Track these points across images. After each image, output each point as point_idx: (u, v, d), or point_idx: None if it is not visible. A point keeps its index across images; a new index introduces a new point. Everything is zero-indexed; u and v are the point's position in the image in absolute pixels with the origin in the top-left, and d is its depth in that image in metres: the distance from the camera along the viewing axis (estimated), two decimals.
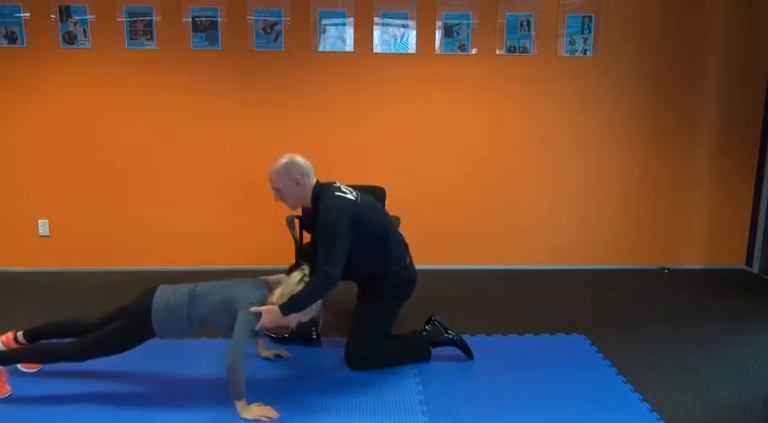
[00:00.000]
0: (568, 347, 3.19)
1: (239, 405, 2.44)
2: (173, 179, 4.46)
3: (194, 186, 4.48)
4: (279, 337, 3.18)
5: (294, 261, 3.10)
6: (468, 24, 4.34)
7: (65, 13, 4.22)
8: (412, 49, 4.36)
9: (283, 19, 4.28)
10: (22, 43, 4.24)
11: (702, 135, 4.56)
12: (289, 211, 3.33)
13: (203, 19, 4.27)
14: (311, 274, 2.60)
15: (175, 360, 2.96)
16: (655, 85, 4.48)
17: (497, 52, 4.39)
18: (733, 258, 4.75)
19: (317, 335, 3.18)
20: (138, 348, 2.79)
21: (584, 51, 4.41)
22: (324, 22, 4.30)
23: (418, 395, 2.66)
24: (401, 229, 3.38)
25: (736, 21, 4.41)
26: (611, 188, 4.61)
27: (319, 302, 2.65)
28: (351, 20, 4.30)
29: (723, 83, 4.49)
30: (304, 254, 2.93)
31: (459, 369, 2.93)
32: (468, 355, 3.01)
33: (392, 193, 3.80)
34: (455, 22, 4.34)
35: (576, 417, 2.49)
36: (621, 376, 2.86)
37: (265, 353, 3.00)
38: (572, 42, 4.39)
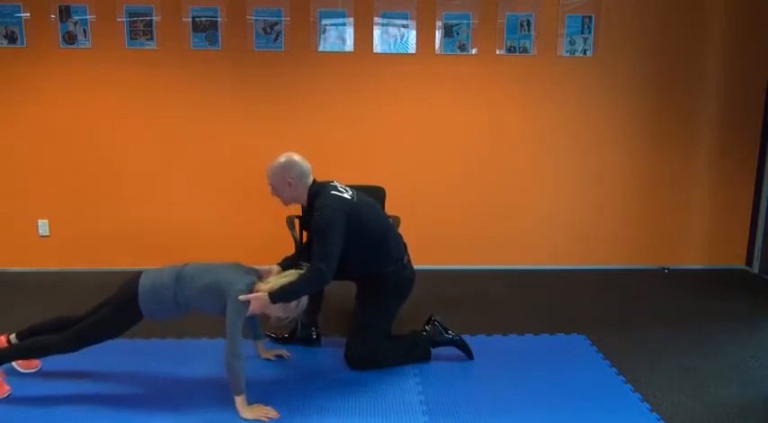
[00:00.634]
0: (568, 347, 3.19)
1: (239, 404, 2.44)
2: (173, 179, 4.46)
3: (194, 186, 4.48)
4: (279, 337, 3.19)
5: (293, 255, 3.10)
6: (468, 24, 4.34)
7: (65, 13, 4.22)
8: (412, 49, 4.36)
9: (283, 19, 4.28)
10: (22, 43, 4.24)
11: (702, 135, 4.56)
12: (288, 210, 3.33)
13: (203, 19, 4.27)
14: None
15: (175, 360, 2.96)
16: (655, 85, 4.48)
17: (497, 52, 4.39)
18: (733, 258, 4.75)
19: (317, 335, 3.19)
20: (137, 348, 2.80)
21: (585, 51, 4.41)
22: (324, 22, 4.30)
23: (418, 395, 2.66)
24: (401, 229, 3.38)
25: (736, 21, 4.41)
26: (611, 188, 4.61)
27: (305, 305, 2.65)
28: (351, 20, 4.30)
29: (723, 83, 4.49)
30: (302, 252, 2.94)
31: (459, 369, 2.93)
32: (468, 355, 3.01)
33: (392, 193, 3.80)
34: (455, 22, 4.34)
35: (576, 417, 2.49)
36: (621, 376, 2.86)
37: (266, 354, 3.00)
38: (572, 42, 4.39)
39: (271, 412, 2.45)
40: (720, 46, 4.44)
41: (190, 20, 4.26)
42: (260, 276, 2.66)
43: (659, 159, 4.58)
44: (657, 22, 4.39)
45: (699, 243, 4.72)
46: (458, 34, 4.35)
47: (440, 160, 4.51)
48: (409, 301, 3.03)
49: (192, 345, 3.16)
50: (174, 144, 4.41)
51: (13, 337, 2.71)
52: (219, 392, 2.60)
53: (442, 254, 4.63)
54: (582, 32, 4.39)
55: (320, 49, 4.33)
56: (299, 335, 3.16)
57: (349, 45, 4.33)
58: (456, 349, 3.02)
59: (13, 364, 2.71)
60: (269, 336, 3.19)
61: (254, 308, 2.51)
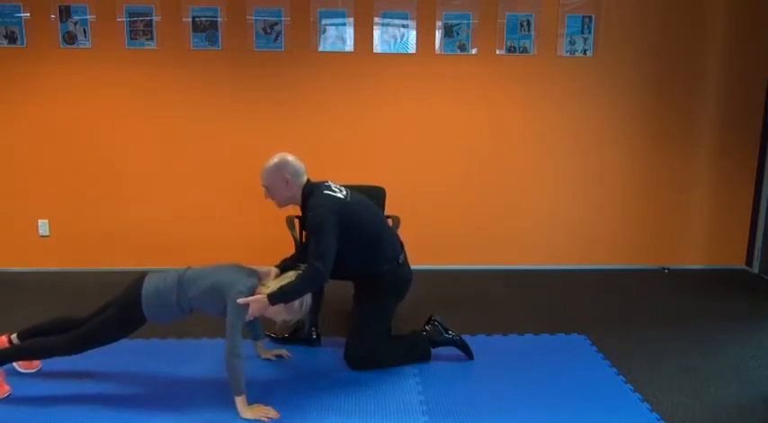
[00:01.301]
0: (568, 347, 3.19)
1: (239, 404, 2.44)
2: (173, 179, 4.46)
3: (194, 186, 4.48)
4: (279, 337, 3.19)
5: (291, 255, 3.10)
6: (468, 24, 4.34)
7: (65, 13, 4.22)
8: (412, 49, 4.36)
9: (283, 19, 4.28)
10: (22, 43, 4.24)
11: (702, 135, 4.56)
12: (288, 211, 3.33)
13: (203, 19, 4.27)
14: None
15: (175, 360, 2.96)
16: (655, 85, 4.48)
17: (497, 52, 4.39)
18: (733, 258, 4.75)
19: (317, 335, 3.19)
20: (138, 348, 2.81)
21: (585, 51, 4.41)
22: (324, 22, 4.30)
23: (418, 395, 2.66)
24: (401, 229, 3.38)
25: (736, 21, 4.41)
26: (611, 188, 4.61)
27: (308, 305, 2.65)
28: (351, 20, 4.30)
29: (723, 83, 4.49)
30: (301, 253, 2.94)
31: (459, 369, 2.93)
32: (468, 355, 3.01)
33: (392, 193, 3.80)
34: (455, 22, 4.34)
35: (576, 417, 2.49)
36: (621, 376, 2.85)
37: (265, 354, 3.00)
38: (572, 42, 4.39)
39: (271, 412, 2.45)
40: (720, 46, 4.44)
41: (190, 20, 4.26)
42: (260, 279, 2.66)
43: (659, 159, 4.58)
44: (657, 22, 4.39)
45: (699, 243, 4.72)
46: (458, 34, 4.35)
47: (440, 160, 4.51)
48: (409, 301, 3.03)
49: (191, 345, 3.16)
50: (174, 144, 4.41)
51: (14, 337, 2.71)
52: (219, 392, 2.60)
53: (442, 254, 4.63)
54: (582, 32, 4.39)
55: (320, 49, 4.33)
56: (303, 335, 3.16)
57: (349, 45, 4.33)
58: (456, 349, 3.02)
59: (14, 364, 2.71)
60: (269, 336, 3.20)
61: (253, 311, 2.51)
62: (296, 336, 3.17)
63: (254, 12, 4.27)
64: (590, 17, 4.37)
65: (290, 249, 3.34)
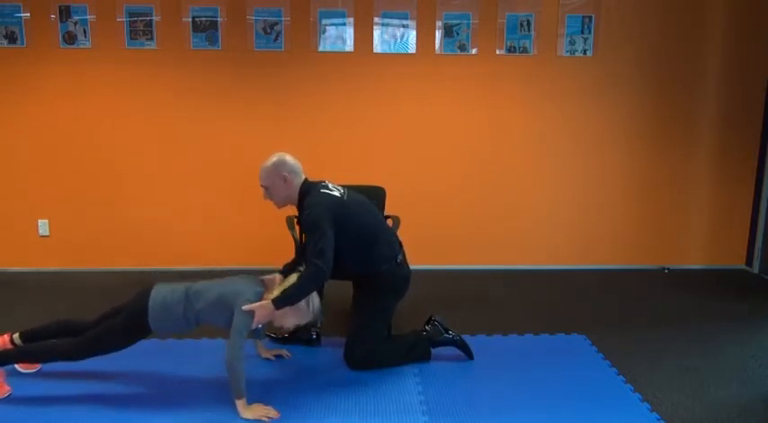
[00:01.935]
0: (568, 347, 3.19)
1: (239, 404, 2.44)
2: (173, 179, 4.46)
3: (194, 186, 4.48)
4: (279, 337, 3.19)
5: (294, 255, 3.10)
6: (468, 24, 4.34)
7: (65, 13, 4.22)
8: (412, 49, 4.36)
9: (283, 19, 4.28)
10: (22, 43, 4.24)
11: (702, 135, 4.56)
12: (287, 211, 3.32)
13: (203, 19, 4.27)
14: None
15: (175, 360, 2.96)
16: (655, 85, 4.48)
17: (497, 52, 4.39)
18: (733, 258, 4.75)
19: (316, 335, 3.19)
20: (138, 348, 2.79)
21: (585, 51, 4.41)
22: (324, 22, 4.30)
23: (418, 395, 2.66)
24: (401, 229, 3.38)
25: (736, 21, 4.41)
26: (611, 188, 4.61)
27: (318, 305, 2.66)
28: (351, 20, 4.30)
29: (723, 83, 4.49)
30: (301, 255, 2.94)
31: (459, 369, 2.93)
32: (468, 355, 3.01)
33: (392, 193, 3.80)
34: (455, 22, 4.34)
35: (576, 417, 2.49)
36: (621, 376, 2.86)
37: (266, 354, 3.00)
38: (572, 42, 4.39)
39: (271, 412, 2.45)
40: (720, 46, 4.44)
41: (190, 20, 4.26)
42: (266, 287, 2.66)
43: (659, 159, 4.58)
44: (657, 22, 4.39)
45: (699, 243, 4.72)
46: (458, 34, 4.35)
47: (440, 160, 4.51)
48: (409, 301, 3.03)
49: (192, 345, 3.16)
50: (174, 144, 4.41)
51: (16, 336, 2.71)
52: (219, 392, 2.60)
53: (442, 254, 4.63)
54: (582, 32, 4.39)
55: (320, 49, 4.33)
56: (303, 335, 3.16)
57: (349, 45, 4.33)
58: (456, 349, 3.02)
59: (14, 364, 2.71)
60: (269, 336, 3.20)
61: (259, 317, 2.51)
62: (296, 336, 3.17)
63: (254, 12, 4.27)
64: (590, 17, 4.37)
65: (290, 249, 3.34)
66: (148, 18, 4.24)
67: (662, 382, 2.82)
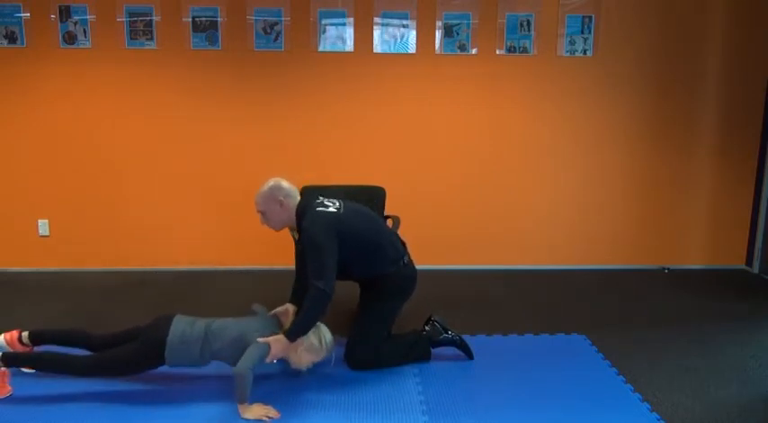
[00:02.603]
0: (568, 347, 3.19)
1: (241, 406, 2.44)
2: (173, 179, 4.46)
3: (194, 186, 4.48)
4: None
5: (294, 261, 3.10)
6: (468, 24, 4.34)
7: (65, 13, 4.22)
8: (412, 49, 4.36)
9: (283, 19, 4.28)
10: (22, 43, 4.24)
11: (702, 135, 4.56)
12: None
13: (203, 19, 4.27)
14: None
15: None
16: (655, 85, 4.48)
17: (497, 52, 4.39)
18: (733, 258, 4.75)
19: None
20: None
21: (584, 51, 4.41)
22: (324, 22, 4.30)
23: (418, 395, 2.66)
24: (401, 229, 3.38)
25: (736, 21, 4.41)
26: (611, 188, 4.61)
27: (330, 340, 2.68)
28: (351, 20, 4.30)
29: (723, 83, 4.49)
30: (300, 279, 2.94)
31: (459, 369, 2.93)
32: (468, 355, 3.01)
33: (392, 193, 3.80)
34: (455, 22, 4.34)
35: (576, 417, 2.49)
36: (621, 376, 2.86)
37: None
38: (572, 42, 4.39)
39: (271, 412, 2.45)
40: (720, 46, 4.44)
41: (190, 20, 4.26)
42: (280, 323, 2.73)
43: (659, 159, 4.58)
44: (657, 22, 4.39)
45: (699, 243, 4.72)
46: (458, 34, 4.35)
47: (440, 160, 4.51)
48: (410, 301, 3.03)
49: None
50: (174, 144, 4.41)
51: (25, 335, 2.71)
52: (220, 392, 2.61)
53: (442, 254, 4.63)
54: (582, 32, 4.39)
55: (320, 49, 4.33)
56: None
57: (349, 45, 4.33)
58: (456, 349, 3.02)
59: None
60: None
61: (275, 352, 2.55)
62: None
63: (254, 12, 4.27)
64: (590, 17, 4.37)
65: (290, 249, 3.33)
66: (148, 18, 4.24)
67: (662, 382, 2.82)
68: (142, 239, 4.52)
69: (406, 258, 2.96)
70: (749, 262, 4.72)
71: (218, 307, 3.71)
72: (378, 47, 4.34)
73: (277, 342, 2.54)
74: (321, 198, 2.87)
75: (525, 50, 4.39)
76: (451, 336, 3.01)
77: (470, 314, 3.67)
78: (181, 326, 2.57)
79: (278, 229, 2.87)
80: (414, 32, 4.34)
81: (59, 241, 4.50)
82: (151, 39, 4.27)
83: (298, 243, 3.47)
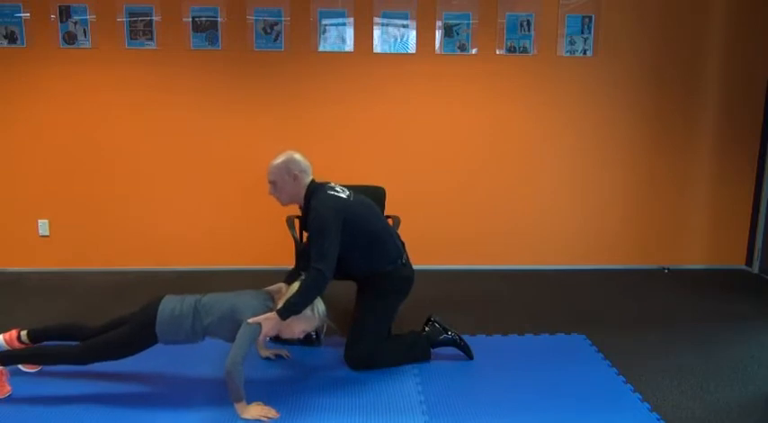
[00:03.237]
0: (568, 347, 3.19)
1: (239, 405, 2.44)
2: (173, 179, 4.46)
3: (194, 186, 4.48)
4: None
5: (294, 261, 3.10)
6: (468, 24, 4.34)
7: (65, 13, 4.22)
8: (412, 49, 4.36)
9: (283, 19, 4.28)
10: (22, 43, 4.24)
11: (702, 135, 4.56)
12: (288, 210, 3.33)
13: (203, 19, 4.27)
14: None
15: (175, 360, 2.96)
16: (655, 85, 4.48)
17: (497, 52, 4.39)
18: (733, 258, 4.75)
19: (317, 335, 3.19)
20: None
21: (584, 51, 4.41)
22: (324, 22, 4.30)
23: (418, 395, 2.66)
24: (401, 229, 3.38)
25: (736, 21, 4.41)
26: (611, 188, 4.61)
27: (323, 310, 2.66)
28: (351, 20, 4.30)
29: (723, 83, 4.49)
30: (301, 254, 2.93)
31: (459, 369, 2.93)
32: (468, 355, 3.01)
33: (392, 193, 3.80)
34: (455, 22, 4.34)
35: (576, 417, 2.49)
36: (621, 376, 2.85)
37: (265, 353, 3.01)
38: (572, 42, 4.39)
39: (270, 412, 2.45)
40: (720, 46, 4.44)
41: (190, 20, 4.26)
42: (273, 300, 2.68)
43: (659, 159, 4.58)
44: (657, 21, 4.39)
45: (699, 243, 4.72)
46: (458, 34, 4.35)
47: (440, 160, 4.51)
48: (409, 301, 3.03)
49: (192, 344, 3.15)
50: (173, 144, 4.41)
51: (24, 334, 2.72)
52: (220, 392, 2.60)
53: (442, 254, 4.63)
54: (582, 32, 4.39)
55: (320, 49, 4.33)
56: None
57: (349, 45, 4.33)
58: (456, 349, 3.02)
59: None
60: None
61: (267, 330, 2.53)
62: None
63: (254, 12, 4.27)
64: (590, 17, 4.37)
65: (289, 249, 3.34)
66: (148, 18, 4.25)
67: (662, 382, 2.82)
68: (142, 239, 4.52)
69: (404, 258, 2.95)
70: (749, 262, 4.71)
71: None
72: (378, 47, 4.35)
73: (268, 320, 2.51)
74: (333, 183, 2.87)
75: (525, 50, 4.39)
76: (451, 336, 3.01)
77: (470, 314, 3.67)
78: (171, 303, 2.57)
79: (285, 202, 2.85)
80: (414, 32, 4.34)
81: (59, 241, 4.50)
82: (151, 39, 4.27)
83: (298, 243, 3.48)
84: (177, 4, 4.24)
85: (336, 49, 4.34)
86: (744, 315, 3.70)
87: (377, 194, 3.73)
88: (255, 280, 4.28)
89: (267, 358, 2.99)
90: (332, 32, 4.32)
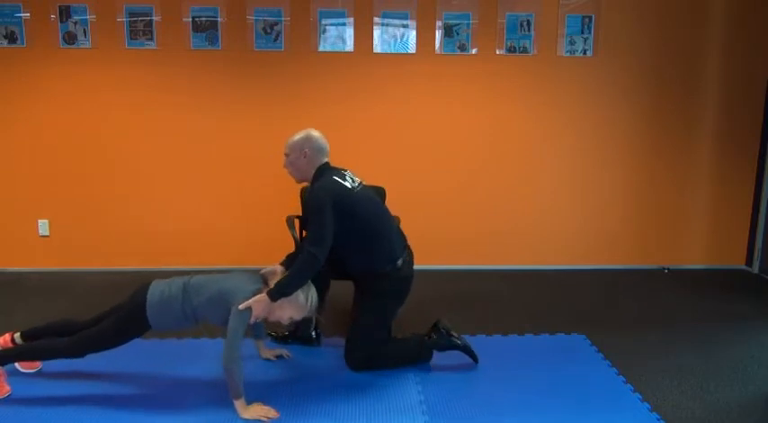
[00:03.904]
0: (568, 347, 3.19)
1: (238, 405, 2.44)
2: (173, 179, 4.46)
3: (194, 186, 4.48)
4: (279, 336, 3.19)
5: (294, 252, 3.10)
6: (468, 24, 4.34)
7: (65, 13, 4.22)
8: (412, 49, 4.36)
9: (283, 19, 4.28)
10: (22, 43, 4.24)
11: (702, 135, 4.56)
12: (288, 210, 3.32)
13: (203, 19, 4.27)
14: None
15: (175, 360, 2.96)
16: (655, 85, 4.48)
17: (497, 52, 4.39)
18: (733, 258, 4.75)
19: (317, 335, 3.19)
20: (137, 348, 2.81)
21: (584, 51, 4.41)
22: (324, 22, 4.30)
23: (418, 396, 2.66)
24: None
25: (736, 21, 4.41)
26: (611, 188, 4.61)
27: (315, 300, 2.64)
28: (351, 20, 4.30)
29: (723, 83, 4.49)
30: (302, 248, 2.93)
31: (459, 369, 2.93)
32: (473, 359, 2.97)
33: (392, 193, 3.80)
34: (455, 22, 4.34)
35: (576, 417, 2.49)
36: (621, 376, 2.86)
37: (266, 354, 3.00)
38: (572, 42, 4.39)
39: (270, 412, 2.45)
40: (720, 46, 4.44)
41: (190, 20, 4.26)
42: (265, 280, 2.65)
43: (659, 159, 4.58)
44: (657, 22, 4.39)
45: (699, 243, 4.72)
46: (458, 34, 4.35)
47: (440, 160, 4.51)
48: (410, 302, 3.02)
49: (191, 345, 3.16)
50: (173, 144, 4.41)
51: (17, 336, 2.71)
52: (219, 392, 2.60)
53: (442, 254, 4.63)
54: (582, 32, 4.39)
55: (320, 49, 4.33)
56: (303, 335, 3.16)
57: (349, 45, 4.33)
58: (459, 352, 3.00)
59: (15, 363, 2.71)
60: (270, 335, 3.19)
61: (257, 312, 2.50)
62: (296, 335, 3.17)
63: (254, 12, 4.27)
64: (590, 17, 4.37)
65: (290, 249, 3.34)
66: (148, 18, 4.24)
67: (662, 382, 2.82)
68: (142, 239, 4.52)
69: (404, 258, 2.93)
70: (749, 262, 4.71)
71: None
72: (378, 47, 4.34)
73: (258, 302, 2.48)
74: (347, 171, 2.88)
75: (525, 50, 4.39)
76: (456, 340, 2.97)
77: (470, 314, 3.67)
78: (160, 286, 2.56)
79: (297, 178, 2.87)
80: (414, 32, 4.34)
81: (59, 241, 4.50)
82: (151, 39, 4.27)
83: (298, 243, 3.47)
84: (177, 4, 4.24)
85: (336, 49, 4.34)
86: (744, 315, 3.70)
87: (377, 195, 3.72)
88: None
89: (267, 359, 2.99)
90: (332, 32, 4.32)
